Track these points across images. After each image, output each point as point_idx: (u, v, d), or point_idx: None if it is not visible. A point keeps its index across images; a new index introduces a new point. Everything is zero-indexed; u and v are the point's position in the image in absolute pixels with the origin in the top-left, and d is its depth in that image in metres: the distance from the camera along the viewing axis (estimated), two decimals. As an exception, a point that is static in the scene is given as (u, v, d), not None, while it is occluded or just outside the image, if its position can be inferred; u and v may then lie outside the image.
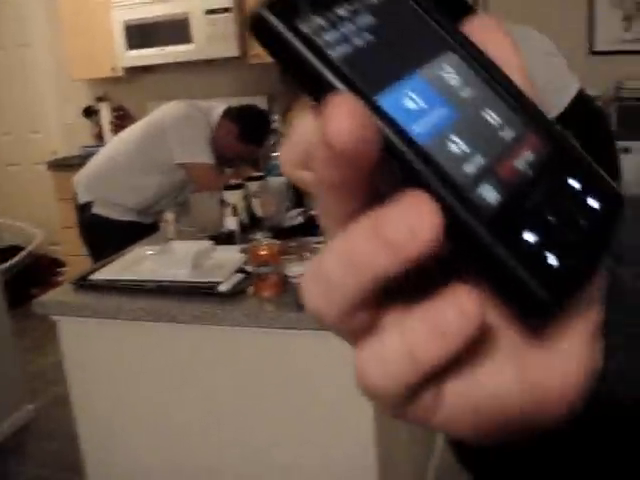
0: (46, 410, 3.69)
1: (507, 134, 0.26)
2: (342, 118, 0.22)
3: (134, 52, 4.73)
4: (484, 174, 0.25)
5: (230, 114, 3.22)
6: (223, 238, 2.37)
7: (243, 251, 2.16)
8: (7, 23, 5.60)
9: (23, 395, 3.64)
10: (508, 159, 0.26)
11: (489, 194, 0.24)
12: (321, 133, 0.22)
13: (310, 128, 0.25)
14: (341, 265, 0.24)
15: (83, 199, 3.24)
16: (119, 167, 3.17)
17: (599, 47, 4.07)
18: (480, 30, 0.29)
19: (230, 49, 4.44)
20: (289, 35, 0.24)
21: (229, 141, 3.17)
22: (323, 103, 0.23)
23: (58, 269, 5.47)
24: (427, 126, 0.24)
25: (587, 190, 0.26)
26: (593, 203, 0.26)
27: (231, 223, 2.45)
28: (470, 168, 0.24)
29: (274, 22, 0.24)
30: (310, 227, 2.33)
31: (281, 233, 2.30)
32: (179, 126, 3.10)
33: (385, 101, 0.24)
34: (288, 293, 1.91)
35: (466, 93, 0.26)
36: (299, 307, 1.80)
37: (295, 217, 2.45)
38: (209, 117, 3.19)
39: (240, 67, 4.66)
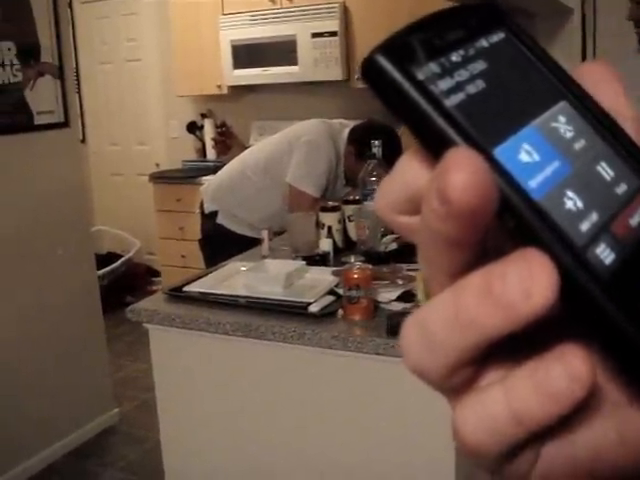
0: (132, 415, 3.78)
1: (621, 189, 0.25)
2: (463, 175, 0.21)
3: (240, 71, 4.85)
4: (600, 232, 0.24)
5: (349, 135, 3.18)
6: (316, 259, 2.37)
7: (335, 273, 2.16)
8: (119, 41, 5.84)
9: (110, 399, 3.72)
10: (623, 216, 0.25)
11: (606, 254, 0.23)
12: (437, 187, 0.22)
13: (415, 174, 0.25)
14: (448, 323, 0.23)
15: (209, 208, 3.28)
16: (247, 181, 3.18)
17: None
18: (592, 76, 0.28)
19: (334, 72, 4.50)
20: (406, 83, 0.23)
21: (350, 162, 3.12)
22: (438, 154, 0.22)
23: (153, 278, 5.63)
24: (543, 181, 0.24)
25: None
26: None
27: (325, 245, 2.45)
28: (586, 226, 0.24)
29: (390, 69, 0.24)
30: (404, 253, 2.31)
31: (374, 258, 2.29)
32: (303, 150, 3.07)
33: (502, 155, 0.23)
34: (378, 318, 1.89)
35: (580, 145, 0.25)
36: (388, 333, 1.78)
37: (389, 243, 2.43)
38: (339, 139, 3.16)
39: (343, 91, 4.70)
